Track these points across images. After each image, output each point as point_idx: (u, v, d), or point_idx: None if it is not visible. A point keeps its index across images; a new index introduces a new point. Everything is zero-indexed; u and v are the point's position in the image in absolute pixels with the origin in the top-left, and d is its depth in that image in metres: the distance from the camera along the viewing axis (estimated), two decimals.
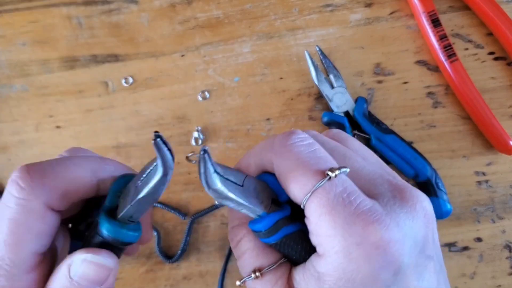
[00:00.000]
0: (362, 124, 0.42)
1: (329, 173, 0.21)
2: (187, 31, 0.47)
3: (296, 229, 0.24)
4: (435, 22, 0.44)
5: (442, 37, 0.43)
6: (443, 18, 0.45)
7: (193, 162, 0.21)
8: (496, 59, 0.45)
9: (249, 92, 0.46)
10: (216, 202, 0.23)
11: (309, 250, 0.23)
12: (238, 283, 0.25)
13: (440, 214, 0.41)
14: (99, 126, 0.46)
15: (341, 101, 0.43)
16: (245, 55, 0.46)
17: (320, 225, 0.21)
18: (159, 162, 0.20)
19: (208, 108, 0.46)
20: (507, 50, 0.44)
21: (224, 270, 0.42)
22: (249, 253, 0.25)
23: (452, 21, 0.46)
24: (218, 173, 0.22)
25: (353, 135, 0.43)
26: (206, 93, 0.46)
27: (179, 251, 0.43)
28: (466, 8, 0.46)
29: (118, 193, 0.24)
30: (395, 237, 0.20)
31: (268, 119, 0.45)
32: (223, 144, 0.45)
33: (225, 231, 0.44)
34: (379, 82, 0.45)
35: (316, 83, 0.43)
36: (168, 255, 0.43)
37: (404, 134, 0.44)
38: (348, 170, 0.22)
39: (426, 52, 0.46)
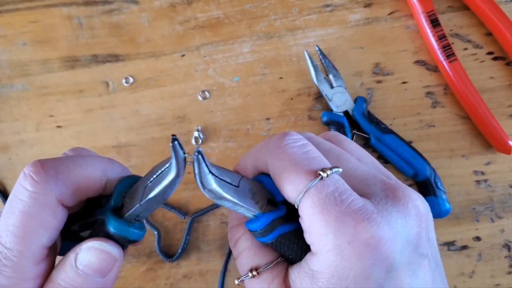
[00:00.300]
0: (362, 123, 0.43)
1: (321, 173, 0.22)
2: (187, 31, 0.47)
3: (291, 228, 0.24)
4: (434, 22, 0.44)
5: (441, 37, 0.44)
6: (442, 18, 0.45)
7: (188, 163, 0.22)
8: (495, 59, 0.46)
9: (249, 92, 0.46)
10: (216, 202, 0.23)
11: (305, 249, 0.23)
12: (236, 282, 0.25)
13: (439, 213, 0.41)
14: (100, 125, 0.46)
15: (340, 100, 0.44)
16: (245, 55, 0.47)
17: (313, 224, 0.21)
18: (173, 163, 0.21)
19: (208, 108, 0.46)
20: (506, 50, 0.45)
21: (225, 269, 0.42)
22: (247, 252, 0.25)
23: (451, 21, 0.46)
24: (213, 174, 0.22)
25: (353, 135, 0.43)
26: (206, 93, 0.46)
27: (179, 250, 0.43)
28: (465, 8, 0.46)
29: (123, 193, 0.25)
30: (386, 235, 0.20)
31: (268, 118, 0.45)
32: (223, 144, 0.45)
33: (225, 230, 0.44)
34: (379, 82, 0.46)
35: (316, 83, 0.44)
36: (168, 254, 0.44)
37: (403, 133, 0.44)
38: (340, 170, 0.23)
39: (425, 52, 0.46)
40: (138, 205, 0.23)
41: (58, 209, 0.23)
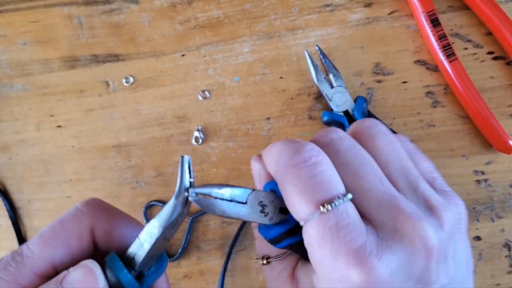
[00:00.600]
0: None
1: (323, 206, 0.21)
2: (187, 31, 0.47)
3: (299, 239, 0.24)
4: (434, 22, 0.44)
5: (441, 37, 0.44)
6: (442, 18, 0.45)
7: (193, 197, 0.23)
8: (495, 58, 0.46)
9: (249, 91, 0.46)
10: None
11: None
12: (253, 262, 0.29)
13: None
14: (100, 125, 0.46)
15: (340, 100, 0.44)
16: (245, 55, 0.47)
17: (311, 252, 0.22)
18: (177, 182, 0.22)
19: (208, 107, 0.46)
20: (506, 49, 0.45)
21: (225, 268, 0.42)
22: (260, 240, 0.27)
23: (451, 20, 0.46)
24: (216, 195, 0.23)
25: None
26: (207, 92, 0.46)
27: (180, 250, 0.43)
28: (466, 8, 0.46)
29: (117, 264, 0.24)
30: (381, 277, 0.20)
31: (268, 118, 0.45)
32: (224, 143, 0.45)
33: (226, 230, 0.44)
34: (379, 81, 0.46)
35: (316, 82, 0.44)
36: (169, 254, 0.44)
37: (403, 133, 0.44)
38: (350, 197, 0.22)
39: (425, 52, 0.46)
40: (141, 262, 0.23)
41: (86, 236, 0.24)
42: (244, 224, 0.43)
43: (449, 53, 0.43)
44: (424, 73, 0.46)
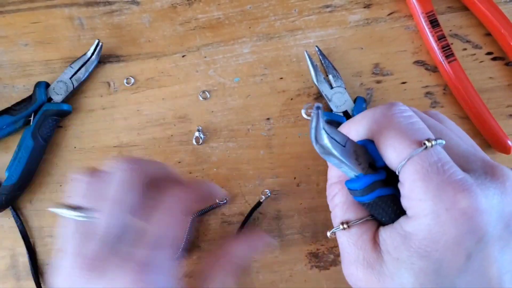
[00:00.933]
0: None
1: (426, 142, 0.23)
2: (188, 32, 0.48)
3: (389, 192, 0.25)
4: (434, 23, 0.44)
5: (440, 38, 0.44)
6: (441, 19, 0.46)
7: (305, 116, 0.23)
8: (494, 59, 0.46)
9: (249, 92, 0.46)
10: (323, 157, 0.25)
11: (398, 214, 0.25)
12: (328, 234, 0.28)
13: None
14: (101, 125, 0.46)
15: (340, 101, 0.44)
16: (245, 55, 0.47)
17: (413, 190, 0.23)
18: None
19: (208, 108, 0.46)
20: (505, 50, 0.45)
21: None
22: (341, 206, 0.27)
23: (450, 21, 0.46)
24: (325, 131, 0.23)
25: None
26: (207, 93, 0.46)
27: (181, 249, 0.43)
28: (465, 8, 0.47)
29: None
30: (482, 207, 0.21)
31: (268, 118, 0.46)
32: (224, 144, 0.45)
33: (226, 230, 0.44)
34: (378, 82, 0.46)
35: (316, 83, 0.44)
36: None
37: None
38: (444, 142, 0.24)
39: (424, 53, 0.46)
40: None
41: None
42: (246, 219, 0.43)
43: (448, 53, 0.43)
44: (423, 73, 0.46)
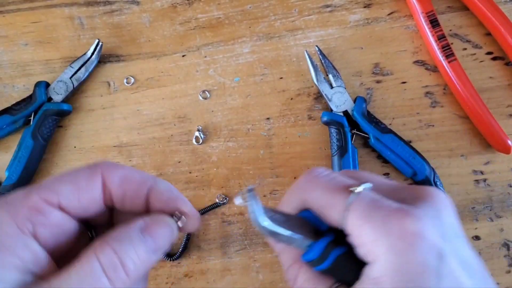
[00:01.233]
0: (361, 123, 0.43)
1: (355, 189, 0.24)
2: (188, 31, 0.48)
3: (344, 250, 0.25)
4: (434, 23, 0.44)
5: (440, 37, 0.44)
6: (441, 18, 0.46)
7: (241, 202, 0.23)
8: (494, 59, 0.46)
9: (249, 92, 0.46)
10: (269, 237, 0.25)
11: (358, 267, 0.25)
12: None
13: None
14: (101, 125, 0.46)
15: (340, 100, 0.44)
16: (245, 55, 0.47)
17: (362, 234, 0.23)
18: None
19: (208, 107, 0.46)
20: (505, 50, 0.45)
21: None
22: (307, 284, 0.27)
23: (450, 21, 0.46)
24: (265, 212, 0.24)
25: (352, 135, 0.43)
26: (207, 93, 0.46)
27: (180, 249, 0.43)
28: (465, 8, 0.47)
29: None
30: (428, 224, 0.22)
31: (268, 118, 0.46)
32: (224, 143, 0.45)
33: (226, 229, 0.44)
34: (378, 82, 0.46)
35: (316, 83, 0.44)
36: (169, 253, 0.44)
37: (402, 133, 0.44)
38: (370, 185, 0.25)
39: (424, 52, 0.46)
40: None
41: (96, 183, 0.24)
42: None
43: (448, 53, 0.43)
44: (423, 73, 0.46)
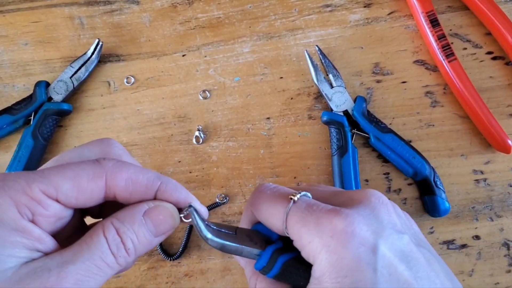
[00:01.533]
0: (361, 123, 0.43)
1: (292, 197, 0.26)
2: (188, 31, 0.48)
3: (291, 256, 0.27)
4: (434, 22, 0.44)
5: (440, 37, 0.44)
6: (441, 18, 0.46)
7: (187, 220, 0.25)
8: (494, 58, 0.46)
9: (249, 91, 0.46)
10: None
11: (309, 271, 0.26)
12: None
13: (439, 212, 0.42)
14: (101, 125, 0.46)
15: (340, 100, 0.44)
16: (245, 55, 0.47)
17: (301, 238, 0.25)
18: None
19: (209, 107, 0.46)
20: (505, 49, 0.45)
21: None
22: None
23: (450, 21, 0.46)
24: (209, 226, 0.25)
25: (352, 134, 0.43)
26: (207, 92, 0.46)
27: (180, 249, 0.43)
28: (465, 8, 0.47)
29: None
30: (359, 222, 0.23)
31: (268, 118, 0.46)
32: (224, 143, 0.45)
33: None
34: (378, 81, 0.46)
35: (316, 82, 0.44)
36: (169, 253, 0.44)
37: (402, 133, 0.44)
38: (309, 194, 0.27)
39: (424, 52, 0.46)
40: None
41: (99, 180, 0.24)
42: None
43: (448, 53, 0.43)
44: (423, 73, 0.46)
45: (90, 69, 0.46)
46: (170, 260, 0.43)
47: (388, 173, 0.44)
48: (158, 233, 0.25)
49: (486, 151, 0.44)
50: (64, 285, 0.21)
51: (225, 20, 0.48)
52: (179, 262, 0.44)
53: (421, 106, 0.45)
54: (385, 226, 0.24)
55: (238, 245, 0.26)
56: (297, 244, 0.25)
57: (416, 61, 0.46)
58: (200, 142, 0.45)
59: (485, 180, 0.44)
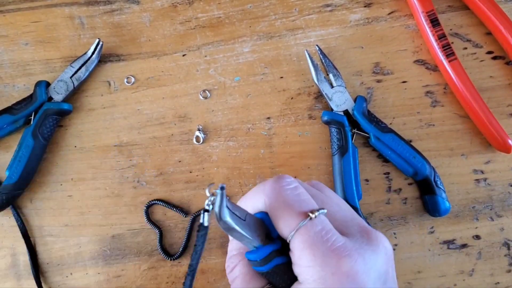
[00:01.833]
0: (361, 123, 0.43)
1: (310, 214, 0.26)
2: (188, 31, 0.48)
3: (284, 260, 0.28)
4: (434, 22, 0.44)
5: (440, 37, 0.44)
6: (442, 18, 0.46)
7: (209, 200, 0.25)
8: (494, 58, 0.46)
9: (249, 91, 0.46)
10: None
11: (292, 279, 0.27)
12: None
13: (439, 211, 0.42)
14: (102, 125, 0.46)
15: (340, 100, 0.44)
16: (245, 54, 0.47)
17: (302, 258, 0.25)
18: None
19: (209, 107, 0.46)
20: (506, 49, 0.45)
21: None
22: (242, 278, 0.29)
23: (451, 20, 0.46)
24: (228, 208, 0.25)
25: (353, 134, 0.43)
26: (207, 92, 0.46)
27: (181, 249, 0.43)
28: (465, 7, 0.47)
29: None
30: (361, 269, 0.24)
31: (268, 118, 0.46)
32: (224, 143, 0.45)
33: None
34: (378, 81, 0.46)
35: (316, 82, 0.44)
36: (170, 253, 0.44)
37: (403, 133, 0.44)
38: (326, 211, 0.27)
39: (425, 52, 0.46)
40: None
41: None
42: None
43: (449, 52, 0.43)
44: (423, 72, 0.46)
45: (90, 69, 0.46)
46: (171, 260, 0.43)
47: (388, 173, 0.44)
48: None
49: (487, 151, 0.44)
50: None
51: (225, 20, 0.48)
52: (179, 262, 0.44)
53: (422, 105, 0.45)
54: (380, 279, 0.25)
55: (243, 233, 0.26)
56: (294, 258, 0.26)
57: (416, 61, 0.46)
58: (201, 142, 0.45)
59: (485, 179, 0.44)
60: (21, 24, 0.48)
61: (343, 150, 0.42)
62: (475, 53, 0.46)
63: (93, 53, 0.45)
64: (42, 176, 0.45)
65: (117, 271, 0.44)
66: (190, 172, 0.45)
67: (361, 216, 0.41)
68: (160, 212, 0.45)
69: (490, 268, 0.43)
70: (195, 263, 0.25)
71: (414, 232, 0.43)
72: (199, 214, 0.44)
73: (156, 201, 0.44)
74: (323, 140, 0.45)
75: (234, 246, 0.31)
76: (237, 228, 0.25)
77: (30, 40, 0.48)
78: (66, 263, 0.44)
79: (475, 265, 0.43)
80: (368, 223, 0.41)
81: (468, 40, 0.46)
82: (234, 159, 0.45)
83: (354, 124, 0.44)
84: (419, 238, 0.43)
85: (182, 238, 0.44)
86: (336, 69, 0.44)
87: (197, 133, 0.45)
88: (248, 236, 0.26)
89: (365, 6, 0.47)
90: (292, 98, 0.46)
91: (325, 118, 0.44)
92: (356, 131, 0.44)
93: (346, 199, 0.41)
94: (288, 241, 0.27)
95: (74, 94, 0.46)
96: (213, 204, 0.24)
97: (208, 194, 0.24)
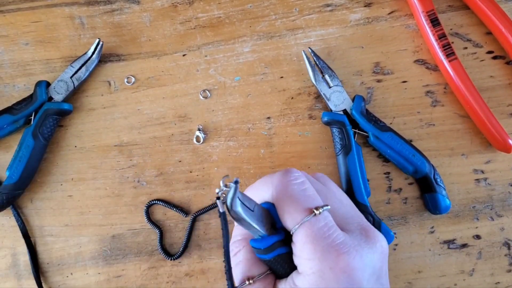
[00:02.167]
0: (360, 122, 0.43)
1: (315, 210, 0.27)
2: (188, 31, 0.48)
3: (286, 251, 0.29)
4: (434, 22, 0.44)
5: (441, 36, 0.44)
6: (442, 18, 0.46)
7: (221, 190, 0.26)
8: (495, 58, 0.46)
9: (249, 91, 0.46)
10: (235, 222, 0.28)
11: (292, 268, 0.29)
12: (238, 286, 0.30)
13: (439, 209, 0.41)
14: (102, 124, 0.46)
15: (339, 100, 0.44)
16: (245, 54, 0.47)
17: (303, 250, 0.27)
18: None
19: (209, 107, 0.46)
20: (506, 49, 0.45)
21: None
22: (245, 263, 0.31)
23: (451, 20, 0.46)
24: (239, 199, 0.26)
25: (354, 133, 0.43)
26: (207, 92, 0.46)
27: (181, 249, 0.43)
28: (465, 7, 0.47)
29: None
30: (358, 265, 0.26)
31: (268, 118, 0.46)
32: (225, 143, 0.45)
33: None
34: (378, 81, 0.46)
35: (314, 82, 0.44)
36: (170, 253, 0.44)
37: (403, 132, 0.44)
38: (329, 207, 0.28)
39: (425, 51, 0.46)
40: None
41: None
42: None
43: (449, 52, 0.43)
44: (423, 72, 0.46)
45: (90, 69, 0.46)
46: (171, 259, 0.43)
47: (388, 173, 0.44)
48: None
49: (487, 151, 0.44)
50: None
51: (226, 20, 0.48)
52: (179, 262, 0.44)
53: (422, 105, 0.45)
54: (374, 275, 0.27)
55: (251, 223, 0.27)
56: (295, 249, 0.28)
57: (416, 61, 0.46)
58: (201, 142, 0.45)
59: (485, 179, 0.44)
60: (21, 24, 0.48)
61: (346, 149, 0.42)
62: (475, 53, 0.46)
63: (93, 53, 0.45)
64: (43, 176, 0.45)
65: (118, 271, 0.44)
66: (190, 172, 0.45)
67: (371, 213, 0.41)
68: (160, 212, 0.45)
69: (491, 268, 0.43)
70: (226, 244, 0.27)
71: (414, 232, 0.43)
72: (200, 214, 0.44)
73: (156, 201, 0.44)
74: (323, 140, 0.45)
75: (238, 231, 0.32)
76: (246, 218, 0.26)
77: (30, 40, 0.48)
78: (67, 263, 0.44)
79: (476, 265, 0.43)
80: (379, 218, 0.41)
81: (468, 40, 0.46)
82: (234, 159, 0.45)
83: (353, 123, 0.44)
84: (419, 238, 0.43)
85: (182, 238, 0.44)
86: (331, 69, 0.44)
87: (197, 133, 0.45)
88: (256, 226, 0.27)
89: (365, 6, 0.47)
90: (292, 98, 0.46)
91: (325, 119, 0.44)
92: (355, 131, 0.44)
93: (355, 198, 0.41)
94: (291, 233, 0.28)
95: (74, 94, 0.46)
96: (225, 194, 0.25)
97: (222, 185, 0.25)
